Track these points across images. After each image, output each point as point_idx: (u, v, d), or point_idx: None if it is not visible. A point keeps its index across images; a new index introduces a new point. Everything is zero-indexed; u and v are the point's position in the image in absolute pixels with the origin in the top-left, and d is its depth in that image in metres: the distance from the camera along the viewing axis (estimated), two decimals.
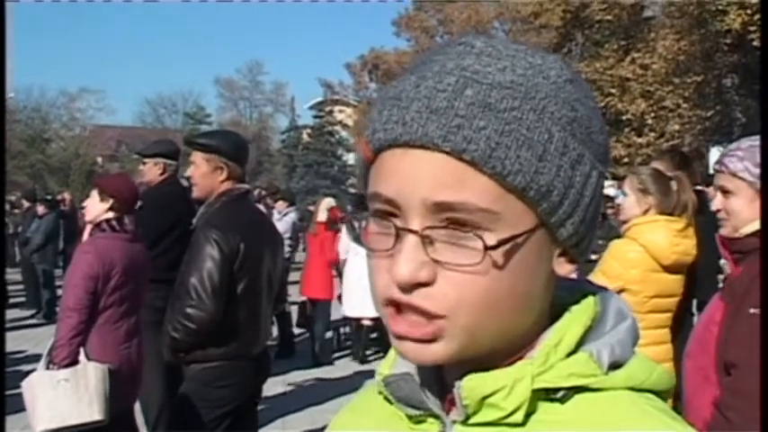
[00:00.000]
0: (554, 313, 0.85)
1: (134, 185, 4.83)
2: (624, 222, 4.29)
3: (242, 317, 3.93)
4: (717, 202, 2.71)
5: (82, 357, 4.12)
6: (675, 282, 4.15)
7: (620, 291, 4.01)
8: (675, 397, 4.15)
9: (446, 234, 0.77)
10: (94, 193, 4.50)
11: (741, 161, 2.60)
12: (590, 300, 0.86)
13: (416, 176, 0.76)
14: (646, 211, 4.14)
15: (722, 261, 2.89)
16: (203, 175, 4.07)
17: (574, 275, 0.88)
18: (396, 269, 0.76)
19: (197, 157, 4.10)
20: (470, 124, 0.75)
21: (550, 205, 0.78)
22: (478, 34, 0.85)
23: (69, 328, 4.11)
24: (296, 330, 10.74)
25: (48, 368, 4.12)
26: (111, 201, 4.43)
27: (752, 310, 2.36)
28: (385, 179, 0.79)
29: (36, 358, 9.43)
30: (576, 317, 0.84)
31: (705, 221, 4.52)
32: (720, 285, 6.06)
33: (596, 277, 4.07)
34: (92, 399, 4.06)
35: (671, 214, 4.13)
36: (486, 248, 0.75)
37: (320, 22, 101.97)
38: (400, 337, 0.80)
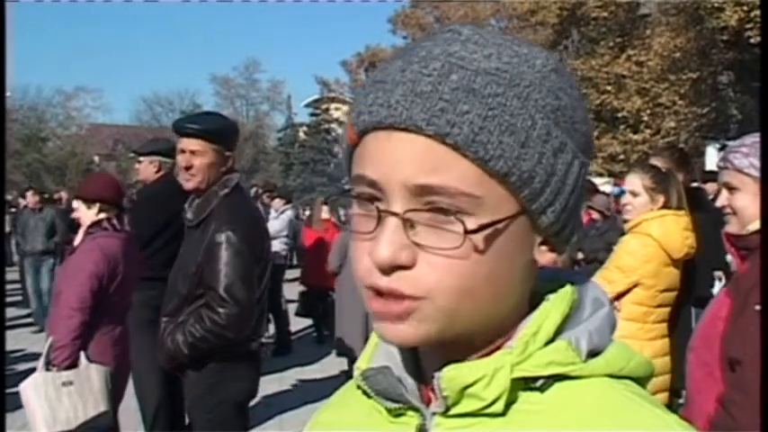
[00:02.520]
0: (532, 302, 0.86)
1: (112, 182, 4.73)
2: (625, 221, 4.29)
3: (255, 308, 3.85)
4: (722, 199, 2.70)
5: (82, 359, 4.06)
6: (678, 276, 4.19)
7: (634, 286, 4.04)
8: (674, 393, 4.18)
9: (428, 217, 0.77)
10: (80, 203, 4.45)
11: (746, 157, 2.59)
12: (567, 288, 0.86)
13: (399, 159, 0.77)
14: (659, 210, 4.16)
15: (730, 257, 2.88)
16: (210, 165, 3.75)
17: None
18: (376, 251, 0.77)
19: (199, 145, 3.74)
20: (454, 108, 0.75)
21: (532, 192, 0.79)
22: (466, 23, 0.85)
23: (72, 329, 4.03)
24: (293, 328, 10.77)
25: (47, 369, 4.03)
26: (96, 205, 4.38)
27: (757, 307, 2.36)
28: (368, 161, 0.79)
29: (33, 357, 9.44)
30: (554, 305, 0.84)
31: (703, 218, 4.53)
32: (717, 281, 6.06)
33: (610, 273, 4.10)
34: (97, 400, 4.00)
35: (672, 209, 4.17)
36: (467, 232, 0.76)
37: (317, 19, 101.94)
38: (378, 317, 0.80)
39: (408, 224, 0.77)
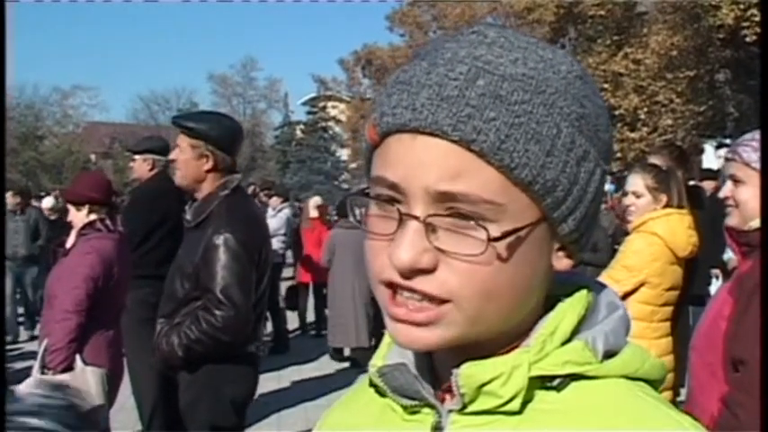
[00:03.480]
0: (548, 304, 0.86)
1: (101, 181, 4.64)
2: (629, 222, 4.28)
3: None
4: (726, 191, 2.68)
5: (78, 362, 4.01)
6: (681, 274, 4.19)
7: (641, 285, 4.03)
8: (673, 390, 4.18)
9: (449, 222, 0.77)
10: (70, 205, 4.43)
11: (755, 152, 2.57)
12: (583, 290, 0.87)
13: (423, 163, 0.76)
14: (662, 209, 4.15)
15: (726, 255, 2.85)
16: (186, 161, 3.71)
17: None
18: (397, 254, 0.76)
19: (182, 140, 3.73)
20: (481, 115, 0.75)
21: (554, 200, 0.79)
22: (491, 25, 0.85)
23: (67, 332, 3.98)
24: (290, 326, 10.78)
25: (42, 373, 3.97)
26: (85, 207, 4.34)
27: None
28: (391, 164, 0.79)
29: (29, 355, 9.43)
30: (570, 306, 0.85)
31: (700, 216, 4.53)
32: (713, 279, 6.05)
33: (616, 272, 4.09)
34: (94, 404, 3.97)
35: (673, 208, 4.16)
36: (490, 240, 0.75)
37: (314, 18, 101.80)
38: (398, 320, 0.80)
39: (430, 228, 0.77)
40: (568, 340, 0.83)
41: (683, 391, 3.94)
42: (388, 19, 41.29)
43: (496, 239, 0.76)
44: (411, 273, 0.77)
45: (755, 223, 2.56)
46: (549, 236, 0.81)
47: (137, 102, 60.55)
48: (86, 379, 4.00)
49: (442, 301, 0.77)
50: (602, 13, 28.40)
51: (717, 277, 6.31)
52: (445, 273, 0.77)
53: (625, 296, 4.02)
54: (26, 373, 4.15)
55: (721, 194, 2.71)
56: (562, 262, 0.84)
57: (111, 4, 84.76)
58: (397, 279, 0.78)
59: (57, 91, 52.97)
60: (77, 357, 4.02)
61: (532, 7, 30.56)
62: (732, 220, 2.66)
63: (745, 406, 2.33)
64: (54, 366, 3.98)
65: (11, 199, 11.26)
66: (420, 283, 0.77)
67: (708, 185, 7.91)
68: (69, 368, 4.00)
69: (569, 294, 0.86)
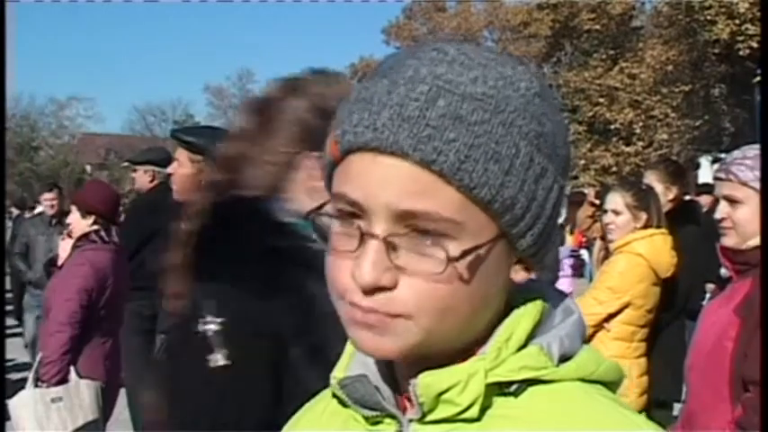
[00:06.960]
0: (506, 312, 0.87)
1: (113, 195, 4.66)
2: (609, 241, 4.24)
3: None
4: (722, 212, 2.63)
5: (72, 375, 3.99)
6: (659, 295, 4.15)
7: (625, 307, 3.99)
8: (664, 405, 4.16)
9: (409, 241, 0.78)
10: (74, 210, 4.39)
11: (751, 170, 2.53)
12: (538, 297, 0.88)
13: (384, 183, 0.77)
14: (642, 227, 4.10)
15: (724, 271, 2.80)
16: (186, 176, 3.64)
17: None
18: (359, 273, 0.78)
19: (181, 154, 3.67)
20: (441, 136, 0.76)
21: (513, 218, 0.80)
22: (451, 41, 0.86)
23: (61, 344, 3.96)
24: None
25: (36, 386, 3.97)
26: (92, 217, 4.33)
27: None
28: (352, 181, 0.80)
29: (24, 367, 9.40)
30: (526, 312, 0.86)
31: (696, 231, 4.52)
32: (708, 295, 6.04)
33: (600, 293, 4.05)
34: (87, 416, 3.94)
35: (653, 227, 4.13)
36: (450, 259, 0.77)
37: (310, 30, 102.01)
38: (356, 327, 0.81)
39: (391, 246, 0.78)
40: (524, 345, 0.84)
41: (677, 406, 3.94)
42: (385, 32, 41.47)
43: (456, 258, 0.77)
44: (372, 290, 0.78)
45: (754, 242, 2.52)
46: (508, 251, 0.83)
47: (132, 113, 60.52)
48: (80, 392, 3.97)
49: (400, 315, 0.79)
50: (598, 27, 28.55)
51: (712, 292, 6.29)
52: (405, 290, 0.78)
53: (609, 317, 3.99)
54: (21, 385, 4.13)
55: (717, 216, 2.66)
56: (519, 274, 0.86)
57: (108, 15, 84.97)
58: (359, 300, 0.79)
59: (52, 102, 52.94)
60: (72, 370, 4.00)
61: (528, 21, 30.72)
62: (729, 241, 2.61)
63: (758, 427, 2.29)
64: (48, 379, 3.95)
65: (50, 201, 9.06)
66: (379, 301, 0.78)
67: (704, 200, 7.92)
68: (63, 381, 3.97)
69: (525, 299, 0.87)
